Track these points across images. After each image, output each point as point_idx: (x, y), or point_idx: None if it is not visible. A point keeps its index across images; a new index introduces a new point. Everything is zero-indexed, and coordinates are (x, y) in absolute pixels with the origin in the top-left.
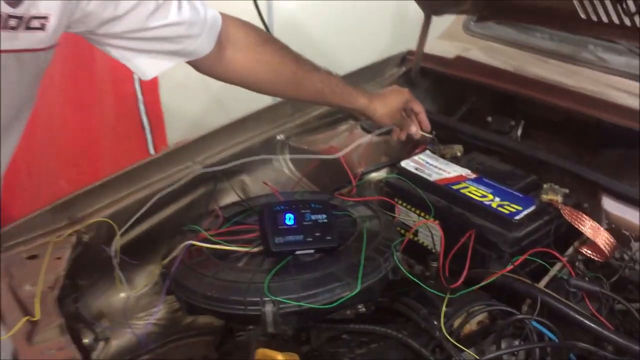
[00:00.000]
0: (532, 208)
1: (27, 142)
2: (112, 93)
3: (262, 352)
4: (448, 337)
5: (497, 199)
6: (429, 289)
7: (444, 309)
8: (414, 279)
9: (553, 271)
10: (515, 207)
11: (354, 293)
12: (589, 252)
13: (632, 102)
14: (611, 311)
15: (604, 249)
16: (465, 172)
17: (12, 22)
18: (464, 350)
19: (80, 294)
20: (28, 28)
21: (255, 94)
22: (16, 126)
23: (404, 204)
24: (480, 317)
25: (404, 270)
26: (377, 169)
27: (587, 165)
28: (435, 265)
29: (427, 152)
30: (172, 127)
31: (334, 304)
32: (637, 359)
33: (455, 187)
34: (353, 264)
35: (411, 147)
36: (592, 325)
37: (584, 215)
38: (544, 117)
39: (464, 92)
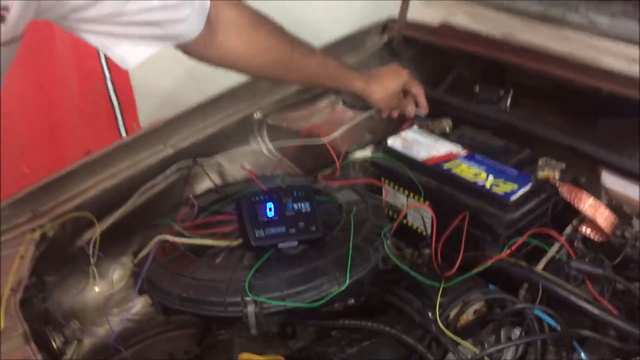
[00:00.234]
0: (528, 187)
1: None
2: (75, 70)
3: (245, 356)
4: (445, 330)
5: (491, 177)
6: (423, 280)
7: (439, 299)
8: (407, 269)
9: (551, 252)
10: (510, 185)
11: (342, 288)
12: (589, 231)
13: (630, 68)
14: (614, 293)
15: (605, 228)
16: (455, 148)
17: None
18: (463, 344)
19: (49, 292)
20: None
21: None
22: None
23: (392, 185)
24: (476, 306)
25: (396, 261)
26: (361, 147)
27: (583, 138)
28: (428, 252)
29: (415, 127)
30: (143, 104)
31: (322, 301)
32: None
33: (445, 166)
34: (341, 255)
35: (397, 122)
36: (597, 312)
37: (584, 193)
38: (535, 86)
39: (450, 61)
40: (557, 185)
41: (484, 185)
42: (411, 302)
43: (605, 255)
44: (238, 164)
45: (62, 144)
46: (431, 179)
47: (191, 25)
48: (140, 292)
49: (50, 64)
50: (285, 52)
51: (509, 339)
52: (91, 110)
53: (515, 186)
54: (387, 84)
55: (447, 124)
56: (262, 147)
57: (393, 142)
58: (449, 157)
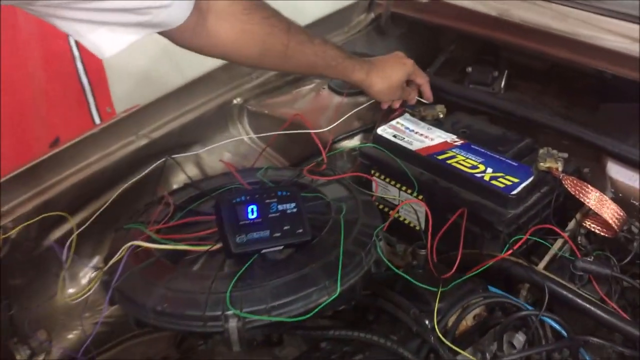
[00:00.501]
0: (529, 179)
1: None
2: (41, 50)
3: None
4: (444, 340)
5: (490, 169)
6: (419, 284)
7: (436, 305)
8: (402, 274)
9: (554, 250)
10: (510, 179)
11: (332, 298)
12: (595, 227)
13: (631, 47)
14: (621, 294)
15: (612, 223)
16: (450, 137)
17: None
18: (462, 353)
19: (14, 298)
20: None
21: None
22: None
23: (382, 177)
24: (476, 310)
25: (391, 266)
26: (349, 136)
27: (584, 124)
28: (424, 253)
29: (406, 114)
30: (117, 86)
31: (310, 314)
32: None
33: (440, 157)
34: (330, 261)
35: (387, 108)
36: (607, 317)
37: (589, 187)
38: (531, 67)
39: (441, 40)
40: (560, 177)
41: (482, 178)
42: (407, 309)
43: (610, 250)
44: (217, 154)
45: (28, 131)
46: (425, 171)
47: (176, 12)
48: (112, 303)
49: (13, 44)
50: (280, 41)
51: (510, 343)
52: (60, 94)
53: (516, 179)
54: (390, 74)
55: (440, 110)
56: (243, 135)
57: (383, 130)
58: (444, 147)
